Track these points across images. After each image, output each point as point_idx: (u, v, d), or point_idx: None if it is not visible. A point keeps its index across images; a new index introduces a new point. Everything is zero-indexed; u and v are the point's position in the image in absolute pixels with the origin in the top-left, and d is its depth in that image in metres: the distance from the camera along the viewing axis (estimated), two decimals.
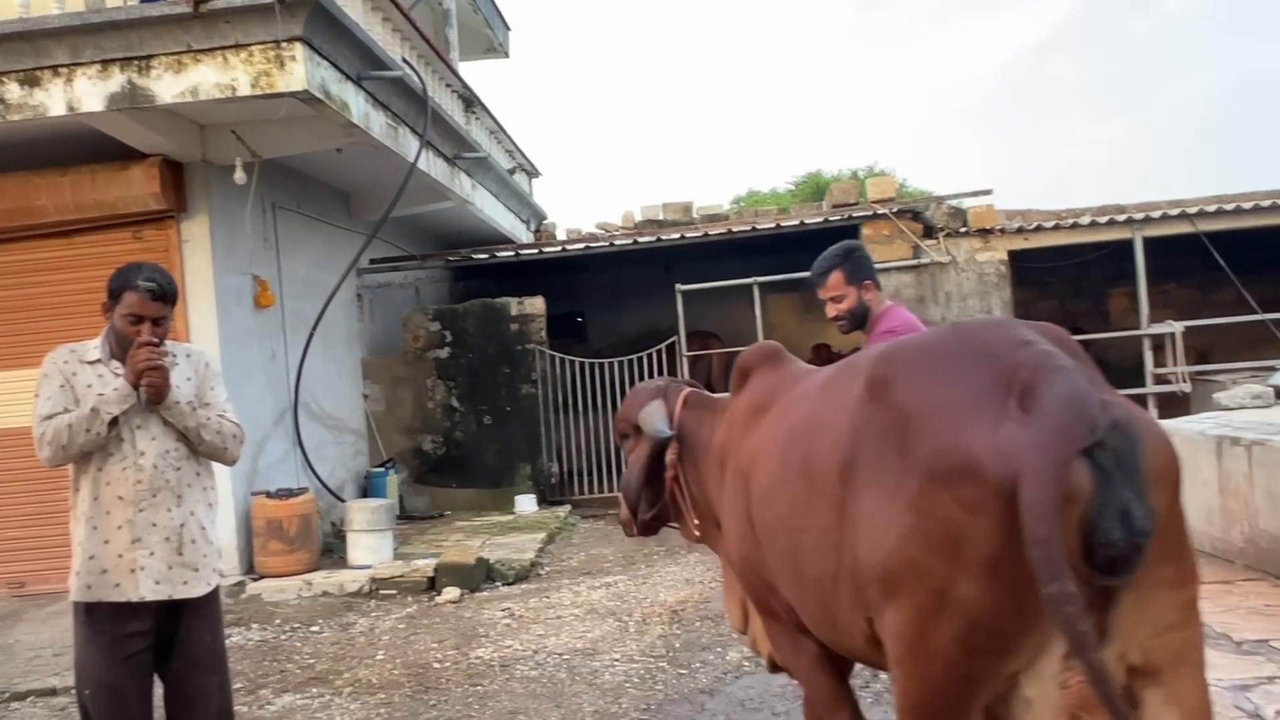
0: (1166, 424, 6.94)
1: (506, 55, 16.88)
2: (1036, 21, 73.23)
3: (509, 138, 14.49)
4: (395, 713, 4.98)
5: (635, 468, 3.52)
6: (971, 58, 70.75)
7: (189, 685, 3.28)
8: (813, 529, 2.37)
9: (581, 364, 11.30)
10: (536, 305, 11.37)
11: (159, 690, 3.32)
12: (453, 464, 11.26)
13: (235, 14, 6.61)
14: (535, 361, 11.24)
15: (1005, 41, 71.70)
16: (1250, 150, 48.83)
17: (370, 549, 8.07)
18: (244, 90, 6.69)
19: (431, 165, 9.79)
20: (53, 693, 5.59)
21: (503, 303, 11.39)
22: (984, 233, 11.14)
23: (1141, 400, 10.65)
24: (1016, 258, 11.30)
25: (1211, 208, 11.01)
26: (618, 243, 12.17)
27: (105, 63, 6.73)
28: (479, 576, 7.61)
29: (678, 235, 11.84)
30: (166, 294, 3.26)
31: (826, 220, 11.41)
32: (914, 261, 11.08)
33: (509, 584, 7.67)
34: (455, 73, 11.85)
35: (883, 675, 4.21)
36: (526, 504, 10.57)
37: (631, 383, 10.35)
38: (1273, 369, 8.77)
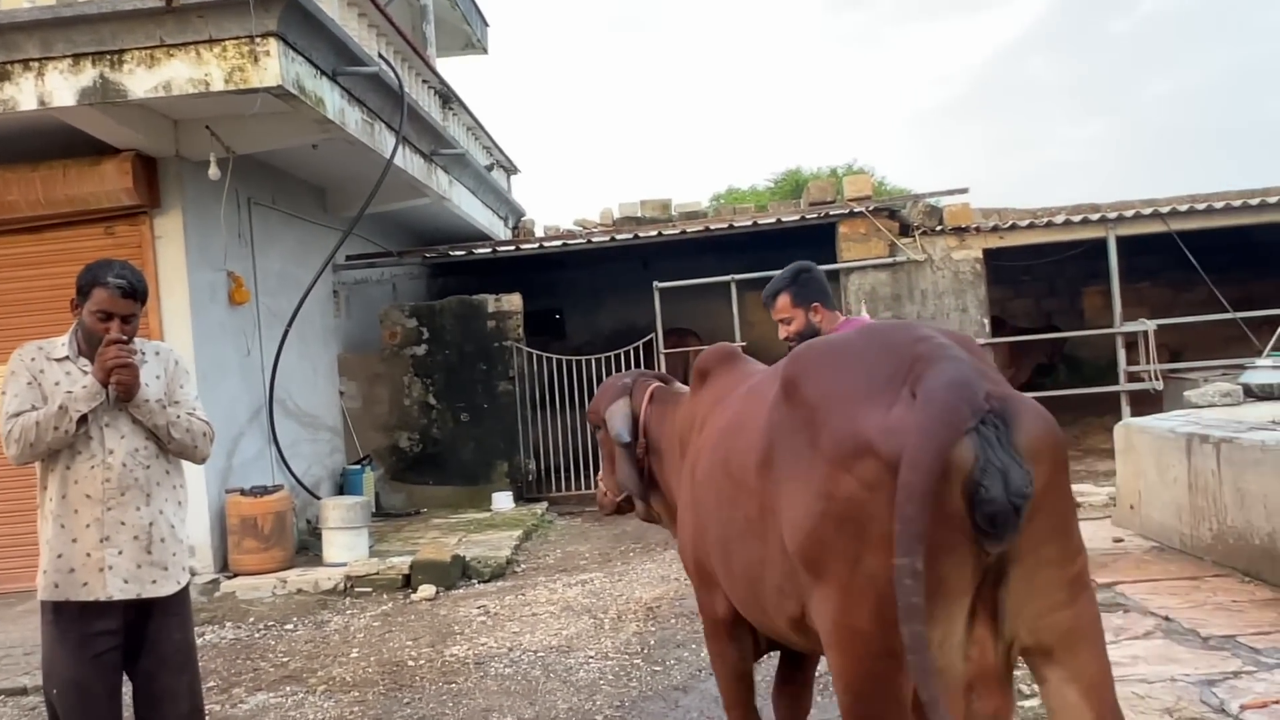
0: (1137, 421, 7.03)
1: (485, 51, 16.80)
2: (1014, 21, 73.71)
3: (487, 134, 14.46)
4: (369, 711, 4.97)
5: (608, 461, 3.78)
6: (950, 56, 71.12)
7: (158, 684, 3.26)
8: (737, 519, 2.57)
9: (559, 361, 11.30)
10: (514, 302, 11.36)
11: (128, 690, 3.30)
12: (429, 461, 11.24)
13: (208, 9, 6.56)
14: (513, 358, 11.23)
15: (983, 40, 72.12)
16: (1226, 149, 49.35)
17: (345, 546, 8.04)
18: (218, 85, 6.64)
19: (408, 161, 9.75)
20: (23, 692, 5.55)
21: (480, 300, 11.37)
22: (960, 231, 11.20)
23: (1114, 398, 10.77)
24: (992, 256, 11.37)
25: (1184, 207, 11.11)
26: (595, 240, 12.17)
27: (77, 57, 6.66)
28: (455, 574, 7.60)
29: (655, 233, 11.85)
30: (136, 291, 3.23)
31: (803, 218, 11.45)
32: (890, 260, 11.13)
33: (485, 581, 7.66)
34: (433, 69, 11.81)
35: None
36: (503, 501, 10.55)
37: None
38: (1242, 367, 8.87)
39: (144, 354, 3.32)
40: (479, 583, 7.64)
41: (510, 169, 16.71)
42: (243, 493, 7.96)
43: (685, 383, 3.79)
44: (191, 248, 7.93)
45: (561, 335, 15.20)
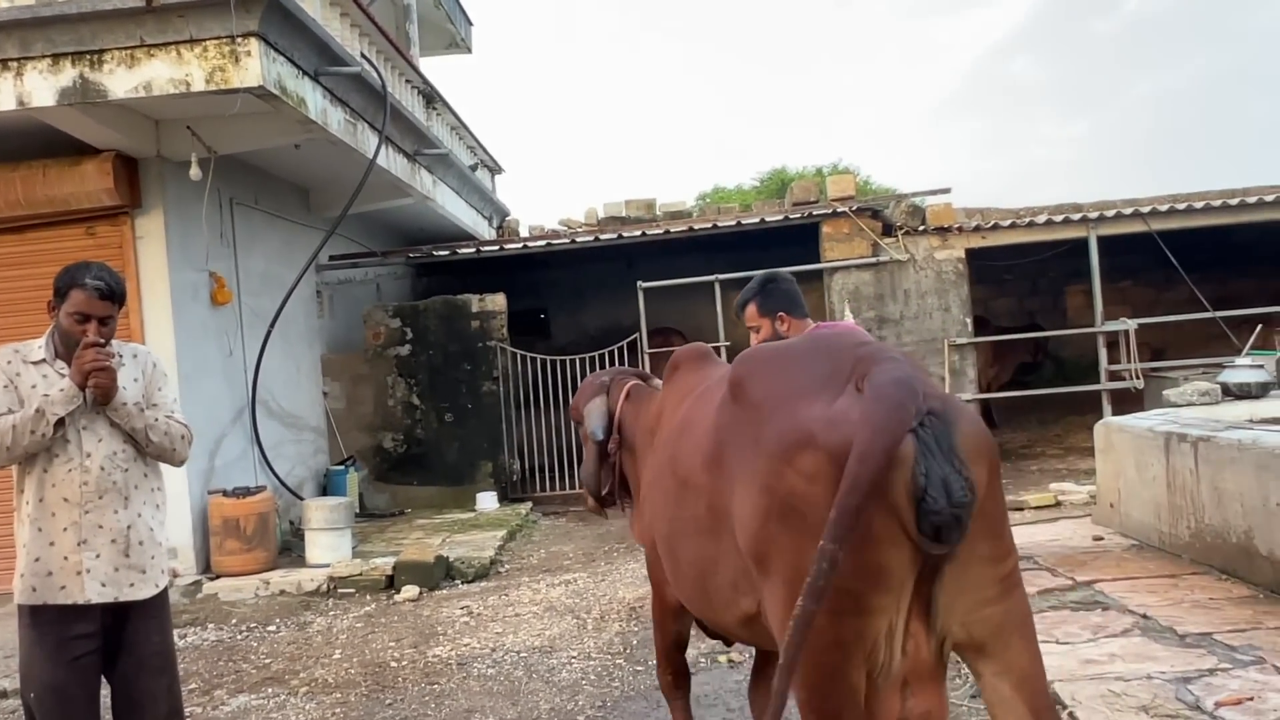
0: (1117, 420, 7.08)
1: (469, 51, 16.76)
2: (1000, 21, 73.93)
3: (471, 134, 14.43)
4: (351, 712, 4.96)
5: (587, 457, 3.93)
6: (936, 56, 71.31)
7: (137, 688, 3.25)
8: (683, 518, 2.65)
9: (543, 361, 11.29)
10: (498, 302, 11.35)
11: (107, 693, 3.29)
12: (413, 462, 11.22)
13: (189, 8, 6.53)
14: (497, 358, 11.22)
15: (969, 41, 72.33)
16: (1208, 150, 49.63)
17: (329, 547, 8.03)
18: (198, 85, 6.62)
19: (391, 161, 9.73)
20: (1, 695, 5.52)
21: (464, 300, 11.36)
22: (942, 231, 11.24)
23: (1096, 396, 10.84)
24: (975, 255, 11.40)
25: (1164, 207, 11.18)
26: (580, 240, 12.16)
27: (56, 57, 6.63)
28: (438, 575, 7.60)
29: (640, 233, 11.85)
30: (114, 293, 3.23)
31: (787, 218, 11.48)
32: (873, 259, 11.16)
33: (468, 582, 7.65)
34: (416, 69, 11.79)
35: None
36: (487, 501, 10.55)
37: None
38: (1221, 366, 8.93)
39: (121, 356, 3.31)
40: (462, 583, 7.64)
41: (494, 169, 16.68)
42: (225, 494, 7.93)
43: None
44: (173, 248, 7.90)
45: (546, 335, 15.19)
